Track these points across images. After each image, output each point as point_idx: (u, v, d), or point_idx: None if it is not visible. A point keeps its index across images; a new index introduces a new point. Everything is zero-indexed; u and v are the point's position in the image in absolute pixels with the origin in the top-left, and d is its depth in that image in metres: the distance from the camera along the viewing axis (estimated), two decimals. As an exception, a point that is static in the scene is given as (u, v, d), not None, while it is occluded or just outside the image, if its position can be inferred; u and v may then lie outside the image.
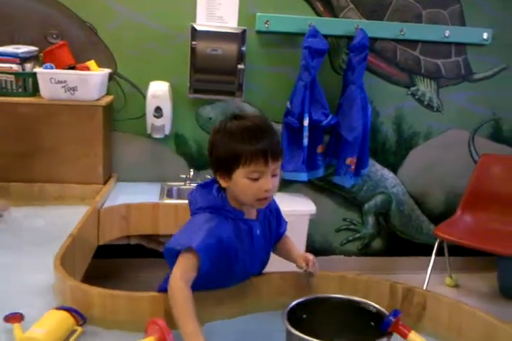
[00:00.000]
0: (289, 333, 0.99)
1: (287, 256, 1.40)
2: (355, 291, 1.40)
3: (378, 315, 1.03)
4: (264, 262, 1.40)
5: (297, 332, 0.95)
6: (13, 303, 1.37)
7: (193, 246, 1.17)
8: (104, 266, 2.75)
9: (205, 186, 1.31)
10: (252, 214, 1.29)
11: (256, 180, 1.17)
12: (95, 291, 1.32)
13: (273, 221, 1.37)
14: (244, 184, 1.18)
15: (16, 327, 1.19)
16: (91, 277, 2.39)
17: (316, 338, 0.96)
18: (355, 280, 1.43)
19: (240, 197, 1.22)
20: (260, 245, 1.32)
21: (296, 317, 1.04)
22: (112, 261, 2.82)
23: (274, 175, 1.20)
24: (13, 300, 1.43)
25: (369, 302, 1.08)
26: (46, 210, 2.32)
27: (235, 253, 1.27)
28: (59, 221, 2.14)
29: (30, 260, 1.73)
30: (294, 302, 1.06)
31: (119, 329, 1.26)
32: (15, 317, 1.23)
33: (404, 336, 0.94)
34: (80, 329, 1.23)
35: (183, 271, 1.19)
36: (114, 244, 2.59)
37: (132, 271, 2.82)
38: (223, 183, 1.23)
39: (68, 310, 1.25)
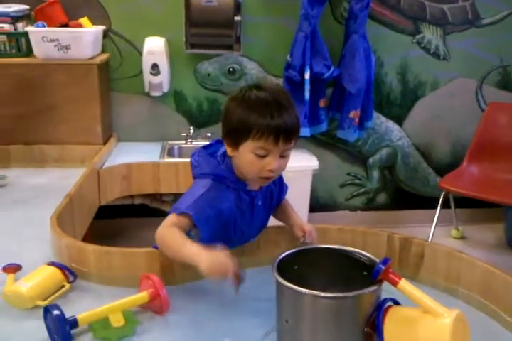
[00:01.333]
0: (278, 284, 0.97)
1: (285, 221, 1.37)
2: (353, 243, 1.38)
3: (370, 263, 1.01)
4: (262, 229, 1.38)
5: (286, 282, 0.94)
6: (15, 256, 1.40)
7: (190, 213, 1.15)
8: (110, 225, 2.79)
9: (209, 149, 1.27)
10: (254, 185, 1.25)
11: (262, 157, 1.12)
12: (90, 248, 1.32)
13: (275, 190, 1.34)
14: (250, 159, 1.13)
15: (10, 277, 1.22)
16: (98, 236, 2.43)
17: (308, 289, 0.95)
18: (353, 232, 1.42)
19: (243, 170, 1.18)
20: (260, 215, 1.30)
21: (288, 268, 1.02)
22: (118, 220, 2.85)
23: (283, 156, 1.15)
24: (15, 253, 1.47)
25: (360, 251, 1.06)
26: (47, 171, 2.33)
27: (233, 223, 1.25)
28: (59, 182, 2.14)
29: (30, 219, 1.74)
30: (285, 254, 1.04)
31: (115, 285, 1.27)
32: (12, 268, 1.25)
33: (395, 284, 0.93)
34: (67, 285, 1.24)
35: (173, 223, 1.17)
36: (119, 204, 2.60)
37: (137, 230, 2.83)
38: (230, 152, 1.18)
39: (59, 266, 1.25)
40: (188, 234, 1.22)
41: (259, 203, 1.27)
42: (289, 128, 1.11)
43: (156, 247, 1.35)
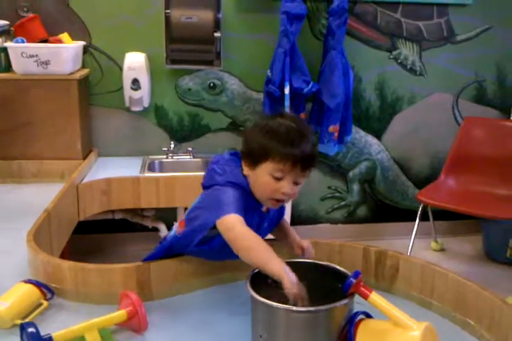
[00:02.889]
0: (252, 299, 0.98)
1: (283, 239, 1.38)
2: (330, 256, 1.41)
3: (345, 277, 1.02)
4: None
5: (259, 297, 0.95)
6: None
7: (239, 214, 1.14)
8: (91, 241, 2.77)
9: (231, 161, 1.27)
10: (264, 207, 1.28)
11: (278, 179, 1.15)
12: (66, 265, 1.31)
13: (276, 214, 1.36)
14: (265, 180, 1.16)
15: None
16: (78, 252, 2.42)
17: (283, 303, 0.96)
18: (329, 245, 1.43)
19: (257, 191, 1.20)
20: (262, 236, 1.29)
21: (262, 283, 1.03)
22: (98, 236, 2.83)
23: (296, 183, 1.18)
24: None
25: (332, 264, 1.08)
26: (25, 187, 2.32)
27: None
28: (37, 197, 2.12)
29: (7, 235, 1.72)
30: (257, 269, 1.05)
31: (91, 303, 1.27)
32: None
33: (365, 297, 0.94)
34: (45, 303, 1.23)
35: (241, 221, 1.12)
36: (99, 219, 2.59)
37: (119, 245, 2.82)
38: (246, 171, 1.21)
39: (35, 284, 1.24)
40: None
41: (265, 225, 1.29)
42: (308, 157, 1.16)
43: (145, 260, 1.35)
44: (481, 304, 1.15)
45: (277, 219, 1.37)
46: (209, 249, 1.26)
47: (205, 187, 1.28)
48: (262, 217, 1.27)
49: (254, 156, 1.18)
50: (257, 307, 0.99)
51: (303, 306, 0.98)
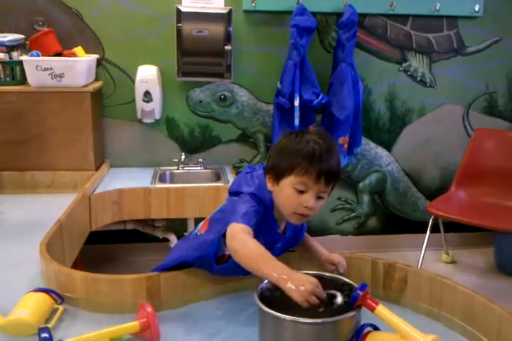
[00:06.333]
0: (260, 310, 0.99)
1: (313, 256, 1.40)
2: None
3: (352, 289, 1.03)
4: None
5: (266, 308, 0.96)
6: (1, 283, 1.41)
7: (250, 225, 1.15)
8: (103, 251, 2.79)
9: (263, 175, 1.27)
10: (281, 228, 1.30)
11: (301, 192, 1.17)
12: (78, 275, 1.33)
13: (293, 238, 1.37)
14: (289, 193, 1.18)
15: None
16: (90, 262, 2.44)
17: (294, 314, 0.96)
18: (337, 257, 1.43)
19: (280, 205, 1.22)
20: (275, 256, 1.31)
21: (270, 295, 1.04)
22: (110, 246, 2.85)
23: (320, 197, 1.20)
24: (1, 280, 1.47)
25: (339, 277, 1.09)
26: (38, 198, 2.35)
27: None
28: (50, 208, 2.15)
29: (20, 246, 1.75)
30: (266, 280, 1.06)
31: (102, 312, 1.28)
32: None
33: (372, 309, 0.95)
34: (61, 307, 1.25)
35: (243, 226, 1.13)
36: (111, 230, 2.61)
37: (130, 255, 2.84)
38: (270, 186, 1.23)
39: (45, 291, 1.26)
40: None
41: (278, 245, 1.30)
42: (332, 171, 1.18)
43: (154, 270, 1.36)
44: (489, 317, 1.14)
45: (293, 241, 1.37)
46: (229, 265, 1.27)
47: (230, 193, 1.29)
48: (276, 238, 1.28)
49: (279, 170, 1.19)
50: (264, 318, 0.99)
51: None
